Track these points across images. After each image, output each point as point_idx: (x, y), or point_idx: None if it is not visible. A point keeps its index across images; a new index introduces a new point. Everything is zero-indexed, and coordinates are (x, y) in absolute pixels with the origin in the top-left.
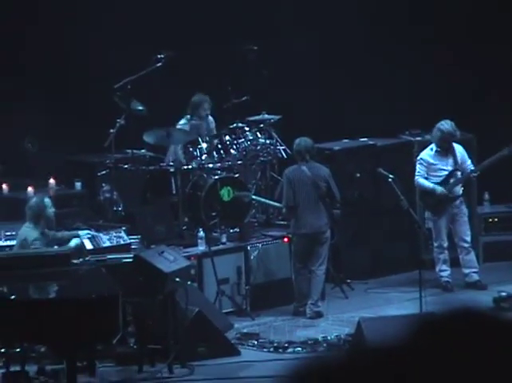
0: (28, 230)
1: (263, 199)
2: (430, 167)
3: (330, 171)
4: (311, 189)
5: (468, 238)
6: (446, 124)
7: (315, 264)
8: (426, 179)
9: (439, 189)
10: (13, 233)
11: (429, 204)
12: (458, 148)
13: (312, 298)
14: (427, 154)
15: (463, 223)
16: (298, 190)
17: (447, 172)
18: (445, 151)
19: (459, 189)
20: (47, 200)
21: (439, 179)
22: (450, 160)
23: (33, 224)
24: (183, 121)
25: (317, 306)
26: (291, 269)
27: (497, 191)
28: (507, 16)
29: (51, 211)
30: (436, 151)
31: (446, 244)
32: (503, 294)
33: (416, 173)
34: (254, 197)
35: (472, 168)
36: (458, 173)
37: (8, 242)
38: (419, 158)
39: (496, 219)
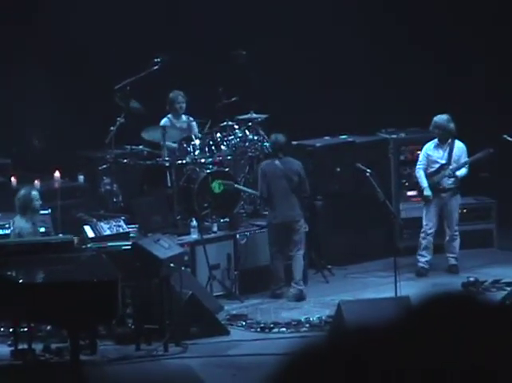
0: (21, 222)
1: (244, 188)
2: (428, 158)
3: (311, 166)
4: (284, 182)
5: (454, 227)
6: (438, 117)
7: (293, 250)
8: (426, 169)
9: (427, 191)
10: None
11: (419, 192)
12: (459, 145)
13: (294, 279)
14: (429, 146)
15: (451, 213)
16: (272, 182)
17: (438, 165)
18: (444, 145)
19: (448, 182)
20: (34, 193)
21: (432, 170)
22: (446, 154)
23: (23, 215)
24: (164, 120)
25: (300, 285)
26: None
27: (466, 184)
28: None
29: (37, 203)
30: (436, 144)
31: (430, 231)
32: (471, 279)
33: (418, 162)
34: (236, 185)
35: (451, 168)
36: (450, 167)
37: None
38: (423, 149)
39: (465, 210)
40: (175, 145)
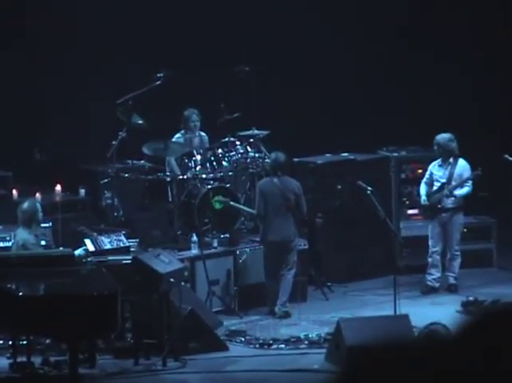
0: (24, 233)
1: (239, 206)
2: (431, 176)
3: (312, 183)
4: (281, 201)
5: (454, 247)
6: (439, 136)
7: (284, 269)
8: (431, 186)
9: (423, 200)
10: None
11: (423, 208)
12: (461, 164)
13: (280, 299)
14: (433, 164)
15: (451, 232)
16: (269, 201)
17: (440, 184)
18: (446, 164)
19: (448, 201)
20: (38, 205)
21: (434, 189)
22: (447, 173)
23: (27, 227)
24: (178, 135)
25: (285, 307)
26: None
27: (467, 204)
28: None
29: (41, 215)
30: (440, 163)
31: (435, 249)
32: (470, 298)
33: (424, 178)
34: (231, 203)
35: (448, 188)
36: (450, 186)
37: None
38: (429, 167)
39: (465, 230)
40: (177, 169)
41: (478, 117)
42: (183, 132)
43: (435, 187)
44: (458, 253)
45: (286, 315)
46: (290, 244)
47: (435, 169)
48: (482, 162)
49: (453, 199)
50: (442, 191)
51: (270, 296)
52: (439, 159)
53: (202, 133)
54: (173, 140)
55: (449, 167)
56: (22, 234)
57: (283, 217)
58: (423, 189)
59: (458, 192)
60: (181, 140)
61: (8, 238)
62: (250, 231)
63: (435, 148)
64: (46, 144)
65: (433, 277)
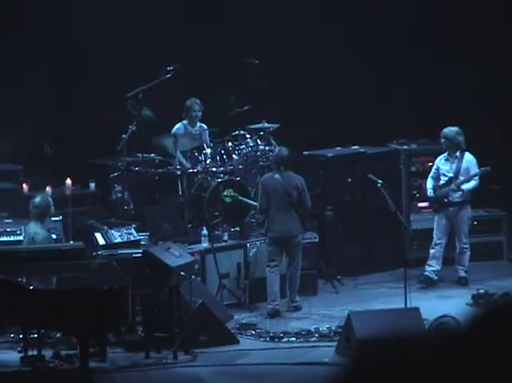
0: (36, 228)
1: (247, 200)
2: (438, 170)
3: (323, 176)
4: (283, 196)
5: (463, 240)
6: (447, 129)
7: (290, 265)
8: (437, 180)
9: (429, 193)
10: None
11: (429, 202)
12: (468, 158)
13: (289, 296)
14: (439, 158)
15: (459, 226)
16: (271, 196)
17: (447, 178)
18: (452, 158)
19: (455, 195)
20: (50, 199)
21: (442, 183)
22: (454, 167)
23: (39, 221)
24: (178, 125)
25: (295, 302)
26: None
27: (477, 196)
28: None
29: (52, 209)
30: (446, 157)
31: (439, 241)
32: (481, 291)
33: (430, 173)
34: (239, 197)
35: (456, 182)
36: (456, 181)
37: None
38: (435, 161)
39: (475, 222)
40: (184, 160)
41: (489, 110)
42: (184, 122)
43: (441, 181)
44: (467, 246)
45: (297, 309)
46: (294, 240)
47: (442, 163)
48: (493, 155)
49: (460, 193)
50: (449, 186)
51: (269, 292)
52: (446, 154)
53: (204, 126)
54: (173, 131)
55: (456, 161)
56: (34, 229)
57: (286, 212)
58: (429, 183)
59: (466, 186)
60: (181, 130)
61: (19, 232)
62: (261, 225)
63: (443, 141)
64: (56, 137)
65: (432, 269)
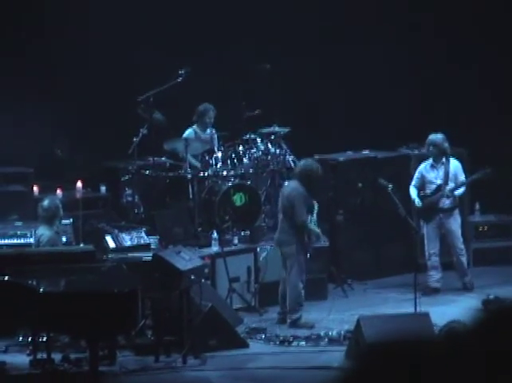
0: (45, 230)
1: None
2: (423, 178)
3: (333, 180)
4: (280, 205)
5: (459, 246)
6: (433, 137)
7: (287, 275)
8: (421, 189)
9: (416, 202)
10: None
11: (417, 211)
12: (454, 163)
13: (287, 307)
14: (423, 166)
15: (451, 233)
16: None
17: (435, 186)
18: (439, 164)
19: (447, 202)
20: (58, 202)
21: (430, 191)
22: (441, 174)
23: (48, 225)
24: (189, 130)
25: (293, 315)
26: None
27: (487, 202)
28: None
29: (61, 212)
30: (431, 164)
31: (433, 250)
32: (491, 296)
33: (412, 182)
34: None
35: (448, 189)
36: (447, 187)
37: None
38: (417, 169)
39: (485, 228)
40: (196, 163)
41: (499, 115)
42: (194, 127)
43: (428, 189)
44: (463, 251)
45: (294, 325)
46: (283, 249)
47: (426, 171)
48: (502, 160)
49: (451, 199)
50: (439, 192)
51: (279, 299)
52: (430, 161)
53: (214, 131)
54: (184, 135)
55: (442, 167)
56: (43, 231)
57: (280, 221)
58: (414, 193)
59: (458, 192)
60: (192, 135)
61: (29, 235)
62: (271, 229)
63: (430, 148)
64: (67, 140)
65: (434, 278)
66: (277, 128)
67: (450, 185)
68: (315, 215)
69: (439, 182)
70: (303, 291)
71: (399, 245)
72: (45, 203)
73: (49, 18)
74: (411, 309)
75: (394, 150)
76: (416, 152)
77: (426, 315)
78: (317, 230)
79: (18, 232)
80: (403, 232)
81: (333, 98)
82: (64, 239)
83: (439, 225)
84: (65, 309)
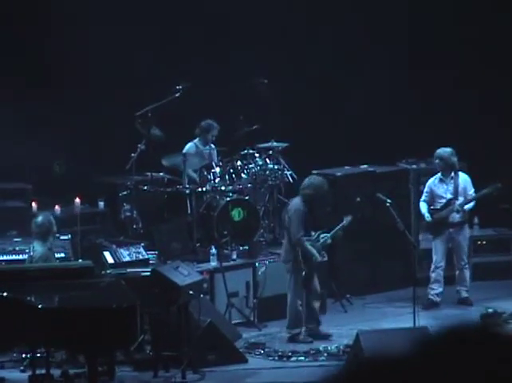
0: (38, 247)
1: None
2: (432, 193)
3: (332, 195)
4: (283, 221)
5: (465, 259)
6: (440, 150)
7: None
8: (430, 203)
9: (426, 216)
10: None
11: (426, 225)
12: (463, 177)
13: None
14: (432, 181)
15: (458, 247)
16: None
17: (444, 200)
18: (448, 179)
19: (456, 216)
20: (52, 218)
21: (439, 206)
22: (451, 188)
23: (41, 241)
24: (189, 145)
25: (290, 331)
26: None
27: (486, 216)
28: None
29: (55, 228)
30: (440, 178)
31: (439, 264)
32: (490, 310)
33: (422, 197)
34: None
35: (458, 203)
36: (457, 202)
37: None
38: (426, 184)
39: (484, 242)
40: (195, 176)
41: (499, 129)
42: (196, 141)
43: (438, 204)
44: (467, 265)
45: (292, 340)
46: (285, 265)
47: (435, 185)
48: (506, 174)
49: (461, 213)
50: (449, 207)
51: None
52: (439, 175)
53: (213, 146)
54: (184, 150)
55: (452, 181)
56: (37, 248)
57: (284, 237)
58: (424, 207)
59: (467, 206)
60: (193, 149)
61: (27, 251)
62: (270, 243)
63: (437, 162)
64: (66, 156)
65: (435, 291)
66: (275, 143)
67: (460, 199)
68: (336, 231)
69: (448, 196)
70: (302, 308)
71: (397, 259)
72: (39, 219)
73: (49, 34)
74: (409, 324)
75: (392, 164)
76: (414, 166)
77: (425, 329)
78: (313, 251)
79: (17, 248)
80: (401, 247)
81: (331, 113)
82: (62, 255)
83: (448, 239)
84: (64, 324)
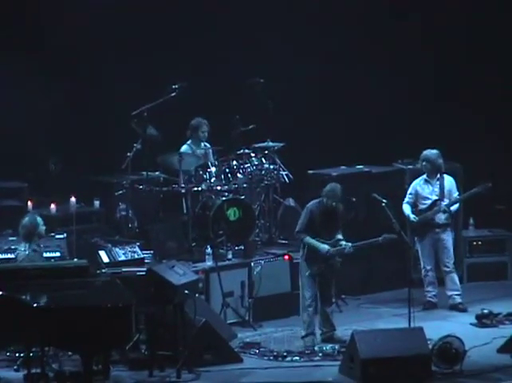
0: (21, 248)
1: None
2: (417, 194)
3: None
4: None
5: (449, 263)
6: (427, 152)
7: None
8: (415, 205)
9: (412, 217)
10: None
11: (411, 227)
12: (448, 179)
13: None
14: (417, 182)
15: (444, 249)
16: None
17: (430, 201)
18: (433, 180)
19: (442, 217)
20: (39, 219)
21: (424, 207)
22: (436, 190)
23: (26, 242)
24: (184, 147)
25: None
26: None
27: (481, 217)
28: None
29: (43, 228)
30: (425, 180)
31: (429, 267)
32: (485, 311)
33: (405, 198)
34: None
35: (445, 204)
36: (442, 203)
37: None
38: (411, 185)
39: (480, 242)
40: (191, 169)
41: (496, 130)
42: (189, 142)
43: (422, 205)
44: (453, 268)
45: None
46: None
47: (420, 186)
48: (500, 175)
49: (447, 215)
50: (435, 208)
51: None
52: (423, 177)
53: (208, 145)
54: (181, 150)
55: (437, 183)
56: (20, 249)
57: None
58: (407, 209)
59: (453, 207)
60: (188, 151)
61: (23, 249)
62: (265, 243)
63: (424, 163)
64: (61, 155)
65: (432, 293)
66: (271, 143)
67: (445, 201)
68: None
69: (434, 197)
70: (310, 309)
71: (393, 260)
72: (24, 220)
73: (49, 32)
74: (404, 324)
75: (388, 165)
76: (411, 166)
77: (420, 330)
78: (317, 243)
79: (12, 247)
80: (397, 247)
81: (327, 113)
82: (57, 254)
83: (434, 240)
84: (59, 323)
